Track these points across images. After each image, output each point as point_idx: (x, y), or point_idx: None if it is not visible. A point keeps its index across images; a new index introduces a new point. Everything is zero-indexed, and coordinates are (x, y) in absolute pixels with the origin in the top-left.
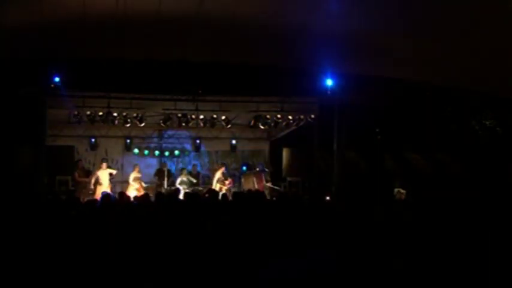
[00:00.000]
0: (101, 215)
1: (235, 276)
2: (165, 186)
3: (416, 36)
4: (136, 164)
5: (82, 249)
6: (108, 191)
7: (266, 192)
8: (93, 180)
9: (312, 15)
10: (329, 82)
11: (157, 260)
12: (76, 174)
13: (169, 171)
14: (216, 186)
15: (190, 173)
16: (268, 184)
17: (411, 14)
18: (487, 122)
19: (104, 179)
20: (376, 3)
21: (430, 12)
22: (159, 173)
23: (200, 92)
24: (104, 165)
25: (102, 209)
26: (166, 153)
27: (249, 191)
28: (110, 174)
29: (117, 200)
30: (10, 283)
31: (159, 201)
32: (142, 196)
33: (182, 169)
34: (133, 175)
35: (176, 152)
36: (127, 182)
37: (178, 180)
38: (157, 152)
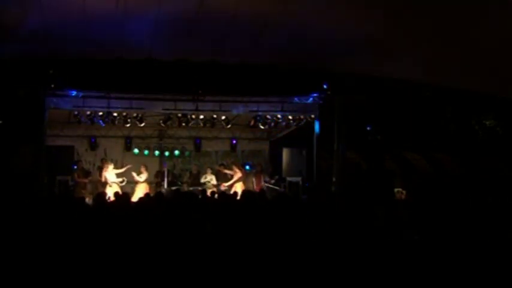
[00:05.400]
0: (96, 215)
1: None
2: (165, 186)
3: (416, 36)
4: (144, 164)
5: (81, 249)
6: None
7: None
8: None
9: (312, 15)
10: (328, 83)
11: (157, 260)
12: (76, 175)
13: (169, 171)
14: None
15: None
16: (268, 184)
17: (411, 14)
18: (487, 122)
19: (112, 181)
20: (377, 4)
21: (430, 13)
22: (159, 173)
23: (200, 92)
24: (110, 166)
25: (97, 209)
26: (167, 153)
27: (248, 191)
28: (117, 174)
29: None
30: (10, 283)
31: (160, 201)
32: (142, 197)
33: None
34: (140, 175)
35: (176, 152)
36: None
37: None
38: (157, 152)
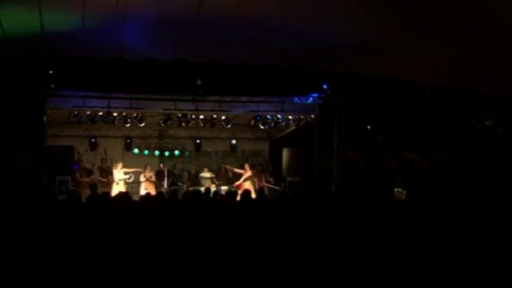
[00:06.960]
0: (101, 213)
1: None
2: (165, 186)
3: (416, 36)
4: (148, 163)
5: (82, 248)
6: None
7: (266, 192)
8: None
9: (312, 16)
10: (328, 83)
11: (157, 259)
12: (77, 174)
13: (169, 171)
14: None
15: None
16: (268, 184)
17: (411, 14)
18: (487, 122)
19: (119, 179)
20: (376, 4)
21: (430, 13)
22: (159, 173)
23: (200, 92)
24: (119, 165)
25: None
26: (167, 153)
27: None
28: (125, 173)
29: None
30: (10, 282)
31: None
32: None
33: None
34: (144, 174)
35: (176, 152)
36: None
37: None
38: (157, 152)
